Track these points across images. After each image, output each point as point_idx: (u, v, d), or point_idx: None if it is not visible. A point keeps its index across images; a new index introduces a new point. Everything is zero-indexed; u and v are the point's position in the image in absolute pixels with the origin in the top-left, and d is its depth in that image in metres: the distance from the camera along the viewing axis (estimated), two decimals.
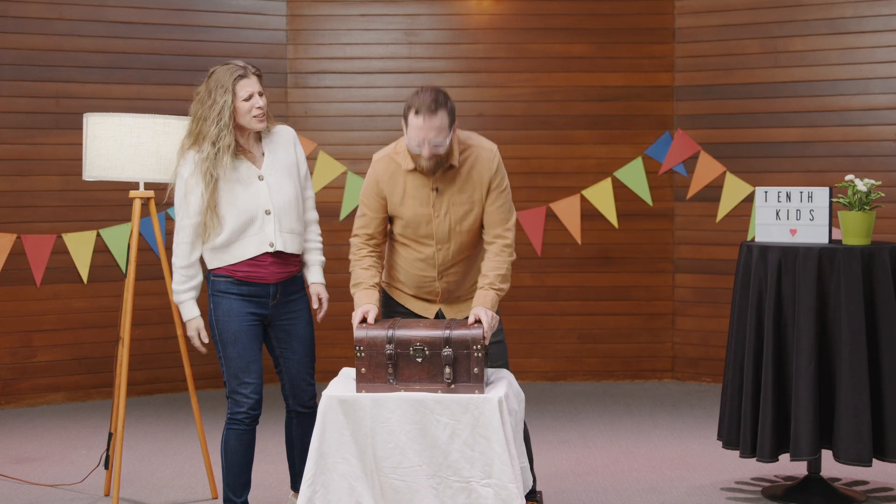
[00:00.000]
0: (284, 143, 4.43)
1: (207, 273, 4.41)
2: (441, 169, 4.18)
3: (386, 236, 4.37)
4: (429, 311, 4.36)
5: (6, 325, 7.08)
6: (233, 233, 4.29)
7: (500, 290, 4.18)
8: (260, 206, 4.31)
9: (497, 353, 4.36)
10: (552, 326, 7.86)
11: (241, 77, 4.25)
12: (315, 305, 4.50)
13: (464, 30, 7.82)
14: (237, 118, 4.28)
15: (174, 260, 4.36)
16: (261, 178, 4.33)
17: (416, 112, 4.05)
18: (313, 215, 4.55)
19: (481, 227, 4.29)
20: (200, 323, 4.39)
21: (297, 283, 4.46)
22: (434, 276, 4.29)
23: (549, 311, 7.85)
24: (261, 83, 4.30)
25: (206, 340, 4.40)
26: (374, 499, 3.89)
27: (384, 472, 3.89)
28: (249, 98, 4.26)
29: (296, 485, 4.59)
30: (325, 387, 4.08)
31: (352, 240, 4.36)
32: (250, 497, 4.50)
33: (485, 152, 4.24)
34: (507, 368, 4.38)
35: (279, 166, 4.38)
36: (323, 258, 4.57)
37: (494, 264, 4.20)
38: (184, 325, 4.48)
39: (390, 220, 4.34)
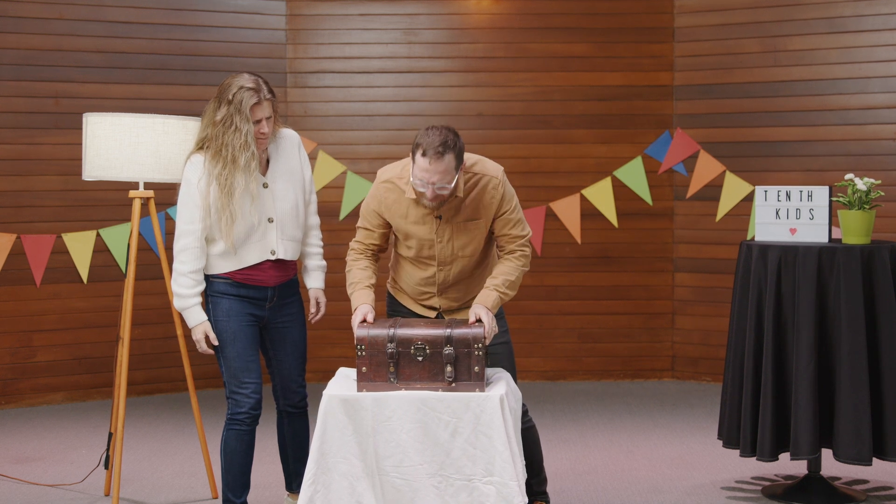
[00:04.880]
0: (288, 149, 4.42)
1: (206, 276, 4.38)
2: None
3: (387, 244, 4.36)
4: (430, 312, 4.37)
5: (6, 325, 7.07)
6: (235, 240, 4.27)
7: (504, 293, 4.17)
8: (264, 214, 4.31)
9: (503, 354, 4.36)
10: (552, 326, 7.86)
11: (256, 104, 4.22)
12: (313, 310, 4.51)
13: (463, 29, 7.82)
14: None
15: (179, 266, 4.28)
16: (265, 185, 4.34)
17: (423, 153, 3.95)
18: (315, 220, 4.55)
19: (484, 248, 4.28)
20: (207, 326, 4.32)
21: (292, 287, 4.47)
22: (433, 293, 4.31)
23: (549, 311, 7.85)
24: (272, 105, 4.27)
25: (216, 343, 4.32)
26: (375, 498, 3.89)
27: (385, 471, 3.89)
28: (258, 122, 4.25)
29: (291, 485, 4.60)
30: (323, 387, 4.08)
31: (352, 244, 4.33)
32: (249, 497, 4.50)
33: (490, 181, 4.15)
34: (514, 371, 4.38)
35: (282, 172, 4.38)
36: (324, 263, 4.57)
37: (506, 269, 4.19)
38: (184, 325, 4.46)
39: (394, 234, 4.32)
